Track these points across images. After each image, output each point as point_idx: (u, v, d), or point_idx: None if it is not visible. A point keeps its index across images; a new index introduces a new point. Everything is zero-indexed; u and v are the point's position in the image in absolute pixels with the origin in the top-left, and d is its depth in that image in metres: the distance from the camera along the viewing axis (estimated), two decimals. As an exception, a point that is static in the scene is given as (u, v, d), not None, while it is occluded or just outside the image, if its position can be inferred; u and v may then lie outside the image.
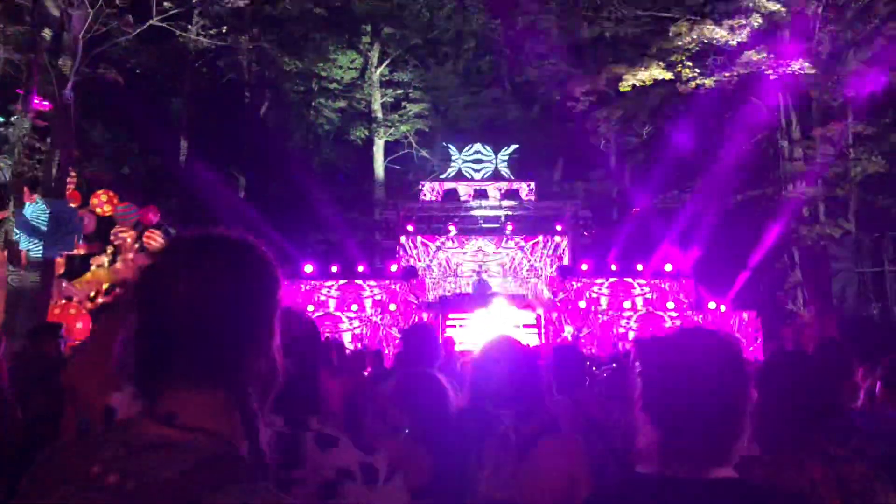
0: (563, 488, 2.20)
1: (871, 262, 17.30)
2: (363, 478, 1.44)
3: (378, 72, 25.99)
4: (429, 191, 21.13)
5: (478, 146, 21.46)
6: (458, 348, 8.33)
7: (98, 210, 15.10)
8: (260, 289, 1.08)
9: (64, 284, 13.54)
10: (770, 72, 15.08)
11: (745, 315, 15.59)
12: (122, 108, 16.05)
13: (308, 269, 17.00)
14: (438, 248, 19.66)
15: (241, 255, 1.09)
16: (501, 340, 2.89)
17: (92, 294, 14.30)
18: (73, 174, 13.72)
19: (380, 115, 25.84)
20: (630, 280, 16.82)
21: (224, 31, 14.40)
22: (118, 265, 15.73)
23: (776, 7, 14.71)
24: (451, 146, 21.82)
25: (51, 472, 0.98)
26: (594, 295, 16.61)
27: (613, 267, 17.38)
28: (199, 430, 0.97)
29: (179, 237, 1.13)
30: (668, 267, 16.99)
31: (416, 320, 14.41)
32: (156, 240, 16.68)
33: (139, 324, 1.04)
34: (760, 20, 14.87)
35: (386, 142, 26.17)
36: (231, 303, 1.04)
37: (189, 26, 14.50)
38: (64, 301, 13.04)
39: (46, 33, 11.55)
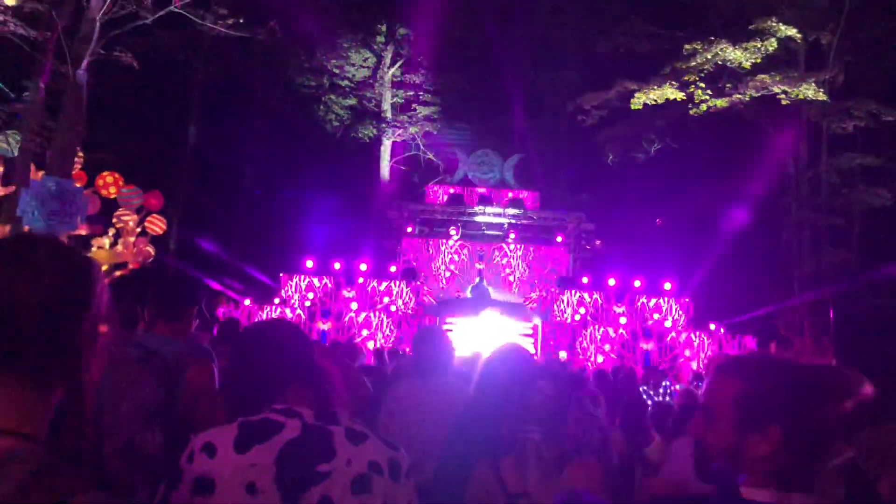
0: None
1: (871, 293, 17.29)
2: (389, 472, 1.49)
3: (390, 72, 26.01)
4: (433, 193, 21.14)
5: (485, 151, 21.47)
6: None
7: (103, 191, 15.08)
8: (70, 286, 1.04)
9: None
10: (783, 96, 15.08)
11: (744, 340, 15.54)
12: (133, 91, 16.01)
13: (308, 264, 17.00)
14: (438, 251, 19.67)
15: (51, 258, 1.05)
16: (518, 351, 2.84)
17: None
18: (80, 154, 13.71)
19: (389, 115, 25.85)
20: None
21: (241, 21, 14.35)
22: (119, 248, 15.71)
23: (792, 32, 14.72)
24: (458, 150, 21.82)
25: None
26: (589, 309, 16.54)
27: (612, 282, 17.29)
28: (8, 432, 0.93)
29: None
30: (668, 286, 16.96)
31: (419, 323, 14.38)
32: (158, 225, 16.68)
33: None
34: (775, 44, 14.89)
35: (393, 142, 26.19)
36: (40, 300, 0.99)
37: (206, 14, 14.46)
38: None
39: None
